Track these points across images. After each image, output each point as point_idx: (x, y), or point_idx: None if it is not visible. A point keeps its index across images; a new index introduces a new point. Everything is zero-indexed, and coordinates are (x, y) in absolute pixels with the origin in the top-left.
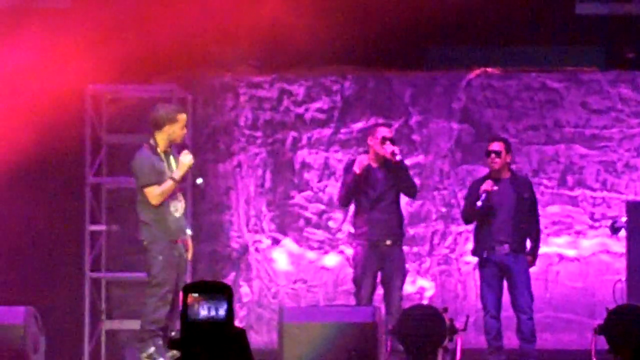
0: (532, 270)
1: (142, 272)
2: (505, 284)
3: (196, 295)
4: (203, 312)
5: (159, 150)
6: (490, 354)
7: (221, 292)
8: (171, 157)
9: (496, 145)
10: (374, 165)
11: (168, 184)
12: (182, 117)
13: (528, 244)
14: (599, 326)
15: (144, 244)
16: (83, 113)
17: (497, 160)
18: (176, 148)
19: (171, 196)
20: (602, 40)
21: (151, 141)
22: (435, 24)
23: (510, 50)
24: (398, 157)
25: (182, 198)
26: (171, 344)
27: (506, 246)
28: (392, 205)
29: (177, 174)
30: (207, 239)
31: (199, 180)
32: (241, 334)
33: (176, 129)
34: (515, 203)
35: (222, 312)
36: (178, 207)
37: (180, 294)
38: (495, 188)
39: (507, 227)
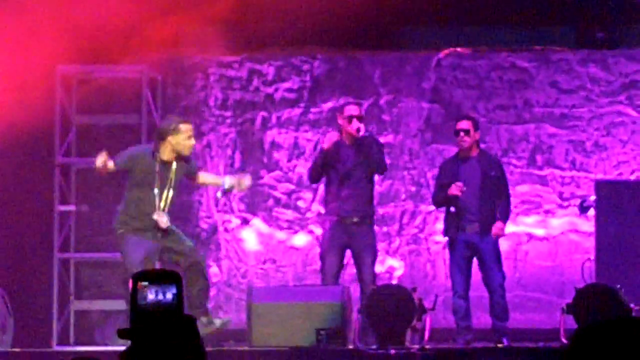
0: (501, 249)
1: (111, 253)
2: (475, 263)
3: (145, 283)
4: (151, 296)
5: (159, 157)
6: (458, 333)
7: (169, 278)
8: (173, 165)
9: (464, 124)
10: (346, 142)
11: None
12: (186, 127)
13: None
14: (568, 305)
15: (114, 228)
16: (53, 93)
17: (467, 138)
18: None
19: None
20: (571, 20)
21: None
22: (406, 4)
23: (480, 30)
24: (361, 133)
25: (163, 210)
26: (120, 333)
27: (476, 225)
28: (362, 182)
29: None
30: (176, 219)
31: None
32: (191, 320)
33: (180, 140)
34: (482, 181)
35: (169, 295)
36: (161, 216)
37: (130, 282)
38: (464, 189)
39: (474, 206)
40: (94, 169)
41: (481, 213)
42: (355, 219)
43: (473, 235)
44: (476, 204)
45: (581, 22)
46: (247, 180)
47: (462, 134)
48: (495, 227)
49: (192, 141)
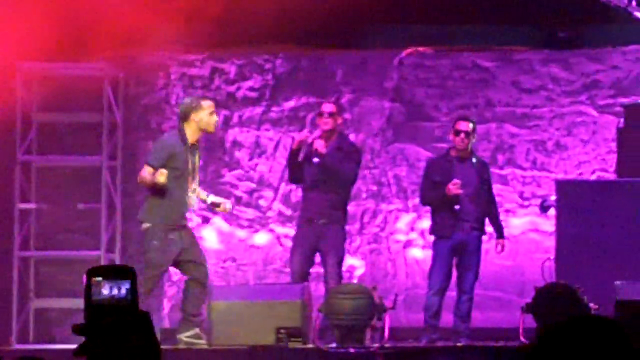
0: None
1: (71, 251)
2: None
3: (99, 278)
4: (105, 292)
5: (188, 141)
6: (425, 331)
7: (124, 273)
8: (196, 154)
9: (466, 125)
10: (322, 150)
11: (148, 179)
12: (207, 103)
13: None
14: (527, 304)
15: (142, 226)
16: (13, 91)
17: (467, 140)
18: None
19: (183, 185)
20: (533, 20)
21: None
22: (369, 3)
23: (442, 29)
24: (315, 160)
25: (193, 193)
26: (74, 329)
27: (467, 225)
28: (331, 187)
29: (161, 179)
30: (137, 218)
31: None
32: (145, 316)
33: (203, 116)
34: (478, 184)
35: (124, 290)
36: (191, 198)
37: (84, 277)
38: (462, 191)
39: (469, 207)
40: (156, 185)
41: (474, 215)
42: (322, 221)
43: (463, 236)
44: (470, 206)
45: (543, 22)
46: (228, 204)
47: (463, 135)
48: (500, 245)
49: (215, 117)
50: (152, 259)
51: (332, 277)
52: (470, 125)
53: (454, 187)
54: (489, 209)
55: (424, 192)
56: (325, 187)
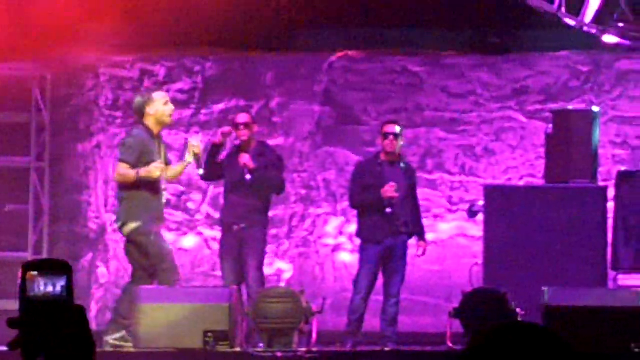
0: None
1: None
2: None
3: (34, 273)
4: (40, 288)
5: (154, 133)
6: (350, 334)
7: (59, 268)
8: (162, 147)
9: (394, 128)
10: (243, 152)
11: (131, 174)
12: (158, 94)
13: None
14: (454, 309)
15: (125, 229)
16: None
17: (395, 142)
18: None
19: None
20: (464, 25)
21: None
22: (301, 7)
23: (373, 33)
24: (248, 177)
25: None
26: (9, 322)
27: (397, 229)
28: (254, 192)
29: (143, 171)
30: (65, 219)
31: (200, 171)
32: (80, 310)
33: (158, 107)
34: (407, 188)
35: (59, 287)
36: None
37: (19, 272)
38: (398, 194)
39: (399, 211)
40: (147, 179)
41: (403, 218)
42: (242, 225)
43: (392, 240)
44: (399, 209)
45: (473, 27)
46: (194, 140)
47: (392, 137)
48: (422, 248)
49: (171, 106)
50: (159, 250)
51: (254, 280)
52: (397, 128)
53: (391, 189)
54: (414, 212)
55: (354, 195)
56: (247, 192)
